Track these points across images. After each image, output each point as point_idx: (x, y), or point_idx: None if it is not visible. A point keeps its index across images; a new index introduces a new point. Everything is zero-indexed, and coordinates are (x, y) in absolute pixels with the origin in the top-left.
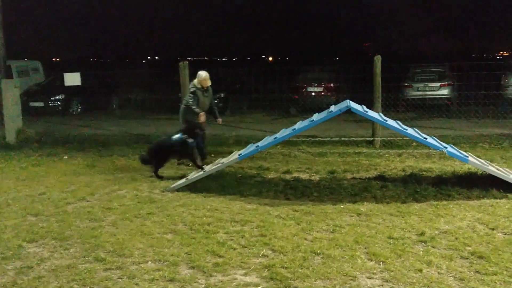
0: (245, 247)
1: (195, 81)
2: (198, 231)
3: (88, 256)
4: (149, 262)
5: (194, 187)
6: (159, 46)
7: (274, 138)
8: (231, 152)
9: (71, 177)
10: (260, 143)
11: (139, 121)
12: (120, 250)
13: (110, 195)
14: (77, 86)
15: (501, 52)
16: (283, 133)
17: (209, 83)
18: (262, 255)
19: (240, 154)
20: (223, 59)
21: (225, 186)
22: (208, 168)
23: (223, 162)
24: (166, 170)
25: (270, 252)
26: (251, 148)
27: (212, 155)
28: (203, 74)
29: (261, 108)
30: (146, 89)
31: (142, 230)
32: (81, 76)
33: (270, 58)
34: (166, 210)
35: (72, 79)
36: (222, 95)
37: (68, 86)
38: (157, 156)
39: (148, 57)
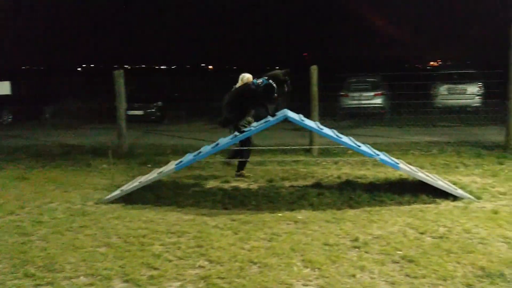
0: (181, 259)
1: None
2: (132, 244)
3: (17, 272)
4: (81, 277)
5: (129, 199)
6: (94, 54)
7: (212, 147)
8: (168, 162)
9: None
10: (197, 152)
11: (72, 131)
12: (50, 265)
13: (41, 208)
14: (7, 95)
15: (431, 63)
16: (221, 142)
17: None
18: (198, 266)
19: (177, 163)
20: (162, 67)
21: (162, 197)
22: (144, 178)
23: (159, 172)
24: (101, 180)
25: (207, 262)
26: (188, 157)
27: (149, 165)
28: (248, 75)
29: (200, 117)
30: (80, 98)
31: (74, 244)
32: (12, 85)
33: (210, 67)
34: (99, 223)
35: (2, 88)
36: (160, 103)
37: None
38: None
39: (84, 65)
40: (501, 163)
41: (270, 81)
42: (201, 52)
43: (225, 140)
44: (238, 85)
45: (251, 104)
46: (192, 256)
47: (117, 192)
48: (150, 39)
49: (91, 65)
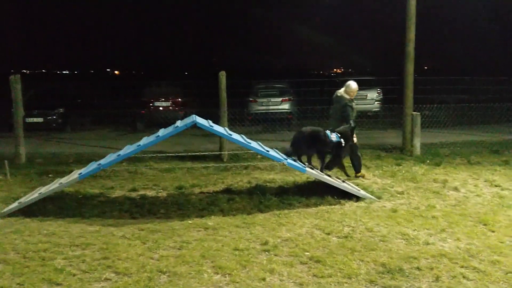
0: (86, 272)
1: (343, 91)
2: (32, 259)
3: None
4: None
5: (28, 211)
6: None
7: (118, 155)
8: (71, 172)
9: None
10: (102, 161)
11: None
12: None
13: None
14: None
15: (335, 70)
16: (127, 149)
17: (353, 94)
18: (104, 279)
19: (81, 173)
20: (64, 72)
21: (64, 209)
22: (45, 189)
23: (61, 183)
24: None
25: (114, 275)
26: (92, 166)
27: (50, 175)
28: (354, 85)
29: (106, 124)
30: None
31: None
32: None
33: (116, 72)
34: None
35: None
36: (61, 110)
37: None
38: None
39: None
40: (398, 164)
41: (341, 139)
42: (106, 57)
43: (132, 148)
44: (343, 91)
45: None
46: (98, 269)
47: (14, 205)
48: (51, 43)
49: None
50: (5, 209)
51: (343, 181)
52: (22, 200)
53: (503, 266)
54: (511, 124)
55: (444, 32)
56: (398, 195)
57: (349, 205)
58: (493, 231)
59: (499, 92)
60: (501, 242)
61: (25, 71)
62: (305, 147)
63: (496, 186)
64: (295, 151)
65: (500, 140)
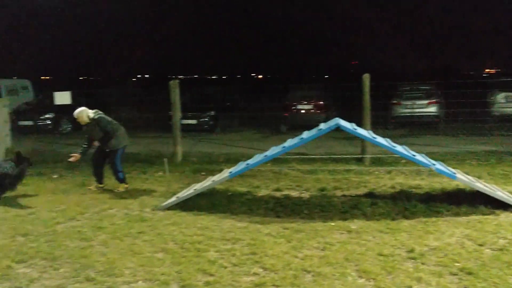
0: (236, 266)
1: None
2: (188, 250)
3: (78, 276)
4: (140, 282)
5: (184, 206)
6: (149, 64)
7: (264, 156)
8: (221, 170)
9: (60, 196)
10: (250, 161)
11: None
12: (110, 270)
13: (100, 214)
14: (67, 105)
15: (488, 70)
16: (273, 150)
17: (81, 120)
18: (253, 273)
19: (231, 172)
20: (213, 77)
21: (216, 204)
22: (199, 186)
23: (213, 180)
24: (157, 187)
25: (261, 270)
26: (241, 166)
27: (203, 173)
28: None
29: (251, 126)
30: (136, 108)
31: (132, 249)
32: (71, 95)
33: (260, 76)
34: (156, 229)
35: (62, 98)
36: (212, 113)
37: (58, 105)
38: None
39: (138, 76)
40: None
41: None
42: (251, 63)
43: (277, 149)
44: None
45: None
46: (247, 263)
47: (173, 199)
48: (202, 50)
49: (146, 76)
50: (165, 203)
51: (498, 190)
52: (179, 195)
53: None
54: None
55: None
56: None
57: (505, 216)
58: None
59: None
60: None
61: (181, 77)
62: None
63: None
64: None
65: None
